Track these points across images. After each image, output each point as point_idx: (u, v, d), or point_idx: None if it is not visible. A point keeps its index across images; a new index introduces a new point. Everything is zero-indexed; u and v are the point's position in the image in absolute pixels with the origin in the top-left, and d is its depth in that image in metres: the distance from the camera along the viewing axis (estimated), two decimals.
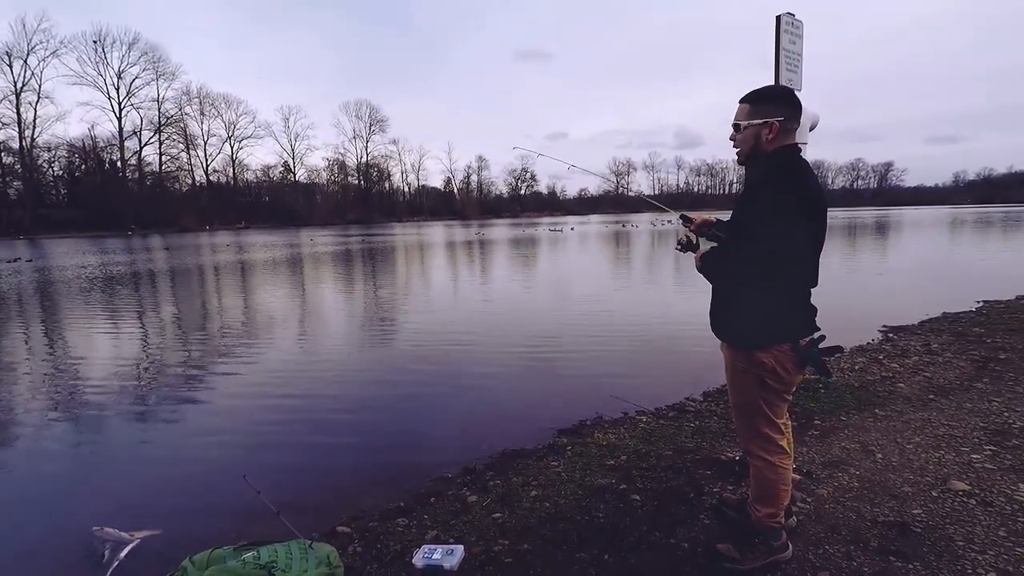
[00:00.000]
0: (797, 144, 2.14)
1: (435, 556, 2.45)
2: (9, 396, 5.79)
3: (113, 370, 6.66)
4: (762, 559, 2.29)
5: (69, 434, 4.75)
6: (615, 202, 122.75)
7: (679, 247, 2.38)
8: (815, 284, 2.15)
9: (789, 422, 2.39)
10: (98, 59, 73.54)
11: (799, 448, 3.46)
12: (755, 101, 2.14)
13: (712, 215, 2.41)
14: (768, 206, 2.01)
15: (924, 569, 2.24)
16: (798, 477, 3.01)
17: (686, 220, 2.43)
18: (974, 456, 3.25)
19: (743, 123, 2.14)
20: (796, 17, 3.77)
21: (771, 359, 2.10)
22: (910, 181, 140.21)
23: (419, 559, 2.45)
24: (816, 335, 2.14)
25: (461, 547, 2.54)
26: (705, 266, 2.23)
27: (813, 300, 2.17)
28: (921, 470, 3.12)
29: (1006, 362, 5.21)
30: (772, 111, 2.09)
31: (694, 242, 2.35)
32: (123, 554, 2.87)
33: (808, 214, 2.01)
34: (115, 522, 3.14)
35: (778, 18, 3.68)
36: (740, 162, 2.22)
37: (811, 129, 3.47)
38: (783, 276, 2.05)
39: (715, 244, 2.28)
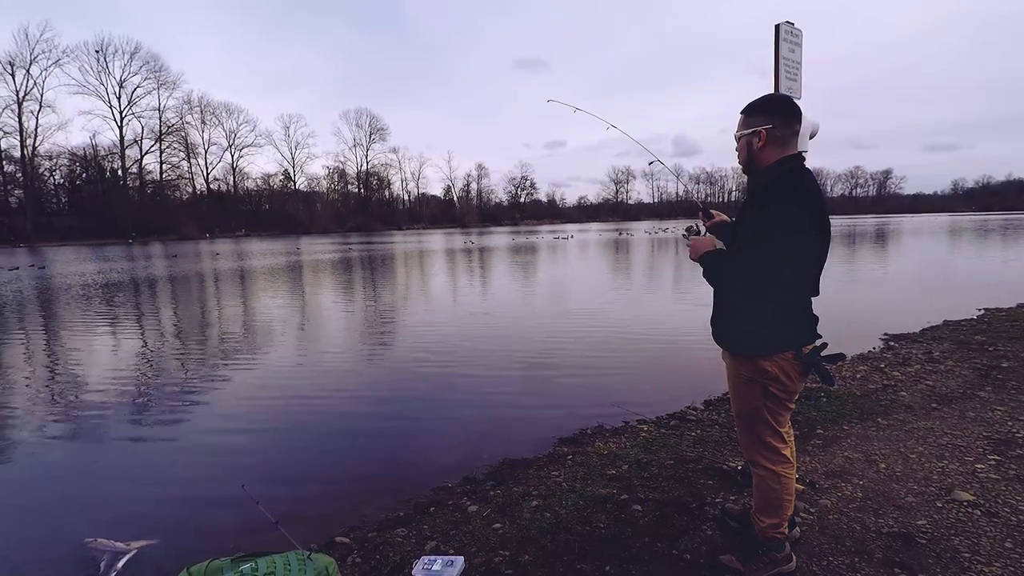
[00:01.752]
0: (800, 154, 2.14)
1: (435, 567, 2.42)
2: (8, 402, 5.76)
3: (112, 378, 6.63)
4: (766, 570, 2.26)
5: (66, 442, 4.72)
6: (613, 210, 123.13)
7: (686, 234, 2.50)
8: (816, 294, 2.15)
9: (792, 431, 2.38)
10: (100, 68, 74.20)
11: (801, 458, 3.43)
12: (746, 112, 2.21)
13: (729, 219, 2.53)
14: (768, 217, 2.02)
15: None
16: (801, 487, 2.98)
17: (707, 214, 2.60)
18: (978, 466, 3.23)
19: (737, 134, 2.24)
20: (795, 26, 3.79)
21: (774, 367, 2.10)
22: (909, 189, 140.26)
23: (419, 570, 2.42)
24: (818, 343, 2.13)
25: (461, 558, 2.51)
26: (706, 266, 2.23)
27: (815, 308, 2.16)
28: (925, 480, 3.09)
29: (1009, 371, 5.19)
30: (760, 120, 2.14)
31: (703, 233, 2.48)
32: (120, 564, 2.84)
33: (810, 224, 2.01)
34: (112, 532, 3.11)
35: (777, 27, 3.69)
36: (743, 172, 2.28)
37: (811, 137, 3.47)
38: (784, 285, 2.04)
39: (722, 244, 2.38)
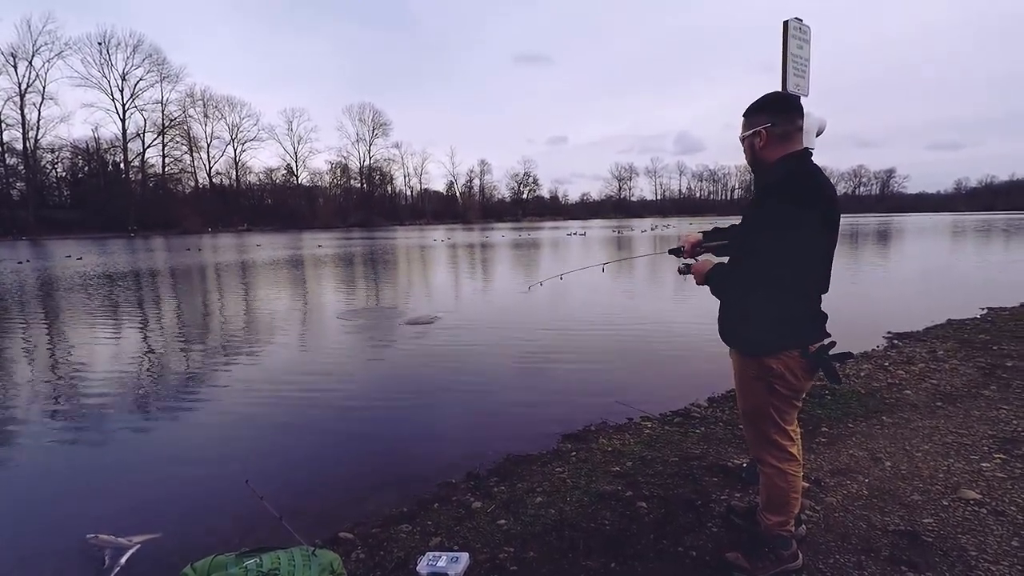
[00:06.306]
0: (807, 149, 2.12)
1: (440, 563, 2.42)
2: (11, 396, 5.76)
3: (115, 372, 6.63)
4: (772, 568, 2.26)
5: (69, 436, 4.72)
6: (616, 207, 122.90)
7: (680, 272, 2.47)
8: (825, 290, 2.13)
9: (799, 429, 2.37)
10: (103, 61, 73.70)
11: (807, 455, 3.41)
12: (746, 114, 2.22)
13: (699, 232, 2.54)
14: (764, 212, 2.03)
15: None
16: (807, 485, 2.97)
17: (677, 252, 2.53)
18: (984, 464, 3.22)
19: (740, 136, 2.24)
20: (804, 22, 3.76)
21: (780, 365, 2.08)
22: (912, 188, 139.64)
23: (423, 566, 2.42)
24: (826, 341, 2.12)
25: (466, 554, 2.50)
26: (712, 283, 2.23)
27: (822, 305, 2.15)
28: (931, 478, 3.08)
29: (1013, 369, 5.17)
30: (760, 119, 2.14)
31: (695, 259, 2.46)
32: (123, 560, 2.84)
33: (809, 220, 1.99)
34: (115, 527, 3.11)
35: (785, 23, 3.66)
36: (752, 172, 2.30)
37: (818, 135, 3.44)
38: (790, 283, 2.03)
39: (715, 254, 2.38)
